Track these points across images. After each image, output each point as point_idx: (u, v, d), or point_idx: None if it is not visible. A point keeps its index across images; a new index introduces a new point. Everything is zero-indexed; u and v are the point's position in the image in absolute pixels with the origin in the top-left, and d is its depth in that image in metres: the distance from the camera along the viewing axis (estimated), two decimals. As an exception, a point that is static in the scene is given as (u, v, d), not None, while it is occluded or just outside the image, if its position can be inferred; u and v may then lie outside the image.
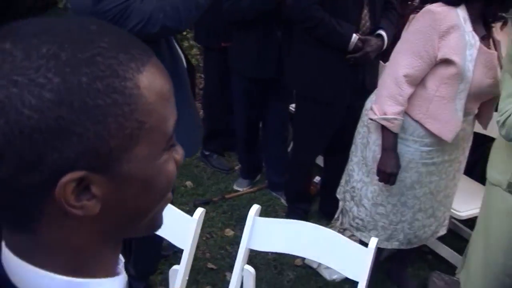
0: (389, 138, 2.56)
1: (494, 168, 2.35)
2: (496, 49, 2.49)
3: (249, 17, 3.37)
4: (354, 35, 3.02)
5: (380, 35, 3.12)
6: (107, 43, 0.62)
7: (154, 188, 0.68)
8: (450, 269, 3.21)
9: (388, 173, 2.57)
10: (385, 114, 2.50)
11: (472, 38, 2.39)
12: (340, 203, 3.12)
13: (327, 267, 3.15)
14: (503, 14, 2.48)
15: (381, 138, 2.59)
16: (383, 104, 2.51)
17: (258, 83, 3.63)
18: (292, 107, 3.74)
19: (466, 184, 3.19)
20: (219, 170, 4.26)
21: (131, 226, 0.70)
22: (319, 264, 3.19)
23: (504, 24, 2.52)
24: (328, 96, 3.21)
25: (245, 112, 3.83)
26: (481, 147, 3.29)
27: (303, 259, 3.24)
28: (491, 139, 3.10)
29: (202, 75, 4.68)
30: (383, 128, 2.56)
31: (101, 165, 0.61)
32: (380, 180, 2.63)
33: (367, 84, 3.21)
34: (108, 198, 0.64)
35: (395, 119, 2.50)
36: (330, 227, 3.15)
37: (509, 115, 2.10)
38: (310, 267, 3.26)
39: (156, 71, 0.66)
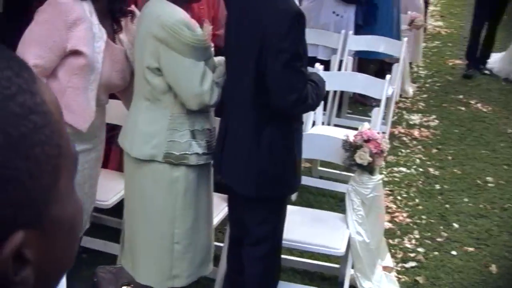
0: None
1: (143, 145, 2.47)
2: (122, 45, 2.61)
3: None
4: None
5: None
6: None
7: (76, 228, 0.52)
8: (110, 259, 3.22)
9: None
10: None
11: (99, 31, 2.47)
12: None
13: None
14: (135, 10, 2.64)
15: None
16: None
17: None
18: None
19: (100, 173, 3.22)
20: None
21: (55, 283, 0.52)
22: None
23: (132, 18, 2.63)
24: None
25: None
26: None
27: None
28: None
29: None
30: None
31: (35, 216, 0.44)
32: None
33: None
34: (41, 258, 0.46)
35: None
36: None
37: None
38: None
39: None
